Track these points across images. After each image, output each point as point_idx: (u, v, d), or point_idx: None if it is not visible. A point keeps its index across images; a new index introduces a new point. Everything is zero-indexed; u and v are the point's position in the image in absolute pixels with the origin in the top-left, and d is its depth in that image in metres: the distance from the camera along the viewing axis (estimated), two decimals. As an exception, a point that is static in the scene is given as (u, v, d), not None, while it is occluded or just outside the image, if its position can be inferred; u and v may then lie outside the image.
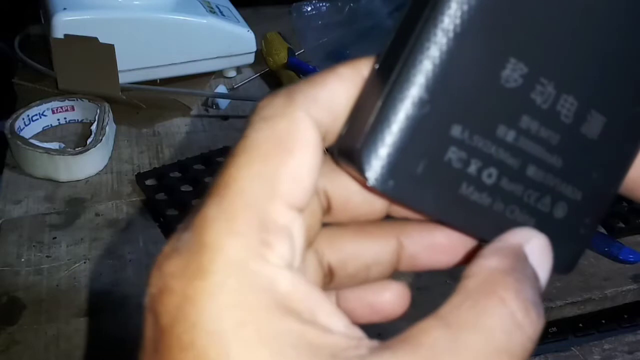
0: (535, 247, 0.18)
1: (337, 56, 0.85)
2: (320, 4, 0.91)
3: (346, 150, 0.17)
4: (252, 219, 0.15)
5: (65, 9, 0.70)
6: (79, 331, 0.49)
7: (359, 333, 0.16)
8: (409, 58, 0.16)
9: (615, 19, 0.18)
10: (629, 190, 0.20)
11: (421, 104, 0.16)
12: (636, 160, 0.19)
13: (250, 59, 0.83)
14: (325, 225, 0.21)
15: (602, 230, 0.60)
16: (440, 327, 0.15)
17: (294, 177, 0.16)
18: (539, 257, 0.18)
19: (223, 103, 0.78)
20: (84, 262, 0.55)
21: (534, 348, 0.16)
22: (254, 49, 0.82)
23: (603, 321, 0.53)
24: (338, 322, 0.16)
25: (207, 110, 0.78)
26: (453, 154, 0.16)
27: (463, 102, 0.16)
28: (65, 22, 0.70)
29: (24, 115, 0.69)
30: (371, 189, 0.16)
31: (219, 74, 0.83)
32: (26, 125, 0.69)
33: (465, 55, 0.16)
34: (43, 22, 0.77)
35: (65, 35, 0.69)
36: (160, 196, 0.62)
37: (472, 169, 0.17)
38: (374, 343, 0.15)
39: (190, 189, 0.63)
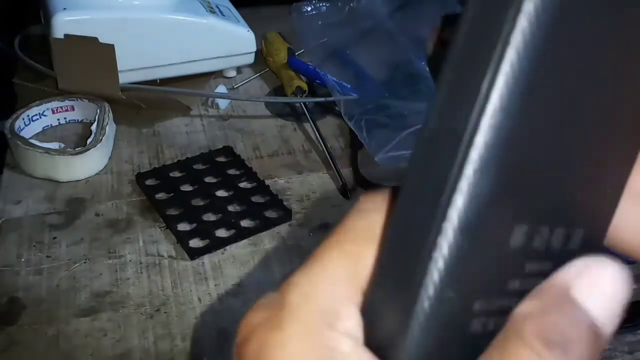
0: (585, 282, 0.16)
1: (337, 56, 0.85)
2: (320, 4, 0.91)
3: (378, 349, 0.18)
4: (329, 292, 0.18)
5: (65, 9, 0.70)
6: (79, 331, 0.49)
7: None
8: (425, 263, 0.16)
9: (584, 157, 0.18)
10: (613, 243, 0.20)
11: (446, 300, 0.16)
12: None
13: (250, 59, 0.83)
14: None
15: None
16: None
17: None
18: (588, 290, 0.16)
19: (223, 103, 0.78)
20: (84, 262, 0.55)
21: None
22: (254, 49, 0.82)
23: (603, 321, 0.53)
24: None
25: (207, 110, 0.78)
26: (476, 325, 0.17)
27: (480, 281, 0.17)
28: (65, 22, 0.70)
29: (24, 115, 0.69)
30: None
31: (219, 74, 0.83)
32: (26, 125, 0.69)
33: (476, 245, 0.16)
34: (43, 22, 0.77)
35: (65, 35, 0.69)
36: (161, 196, 0.62)
37: (490, 325, 0.17)
38: None
39: (190, 188, 0.63)
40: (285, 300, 0.18)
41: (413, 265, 0.17)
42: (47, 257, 0.55)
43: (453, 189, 0.16)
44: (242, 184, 0.64)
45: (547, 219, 0.17)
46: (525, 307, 0.16)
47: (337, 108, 0.75)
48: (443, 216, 0.16)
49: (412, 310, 0.16)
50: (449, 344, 0.17)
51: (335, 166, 0.67)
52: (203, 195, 0.62)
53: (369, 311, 0.18)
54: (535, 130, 0.16)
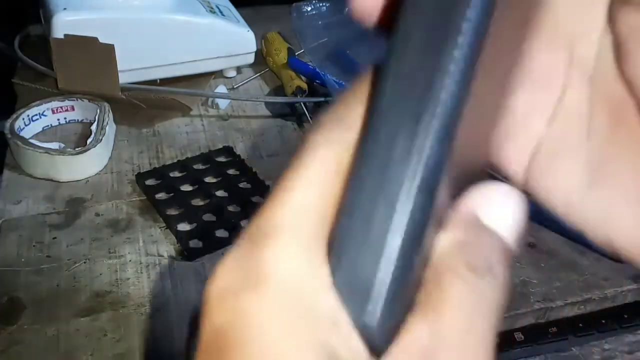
0: (491, 207, 0.17)
1: (337, 56, 0.85)
2: (320, 4, 0.91)
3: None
4: (310, 237, 0.15)
5: (65, 9, 0.71)
6: (79, 331, 0.49)
7: None
8: None
9: None
10: None
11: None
12: None
13: (250, 59, 0.83)
14: None
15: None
16: (421, 320, 0.15)
17: None
18: (495, 214, 0.17)
19: (223, 103, 0.78)
20: (84, 262, 0.55)
21: (504, 298, 0.17)
22: (254, 49, 0.82)
23: (603, 321, 0.53)
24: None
25: (207, 110, 0.78)
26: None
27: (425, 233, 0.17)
28: (65, 22, 0.70)
29: (24, 115, 0.69)
30: None
31: (219, 74, 0.83)
32: (26, 125, 0.69)
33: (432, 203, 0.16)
34: (43, 22, 0.77)
35: (65, 35, 0.69)
36: (161, 196, 0.62)
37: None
38: None
39: (190, 188, 0.63)
40: (260, 254, 0.15)
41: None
42: (47, 257, 0.56)
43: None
44: (242, 184, 0.64)
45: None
46: (447, 241, 0.17)
47: (337, 108, 0.75)
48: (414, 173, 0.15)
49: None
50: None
51: (335, 166, 0.67)
52: (203, 195, 0.62)
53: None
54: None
